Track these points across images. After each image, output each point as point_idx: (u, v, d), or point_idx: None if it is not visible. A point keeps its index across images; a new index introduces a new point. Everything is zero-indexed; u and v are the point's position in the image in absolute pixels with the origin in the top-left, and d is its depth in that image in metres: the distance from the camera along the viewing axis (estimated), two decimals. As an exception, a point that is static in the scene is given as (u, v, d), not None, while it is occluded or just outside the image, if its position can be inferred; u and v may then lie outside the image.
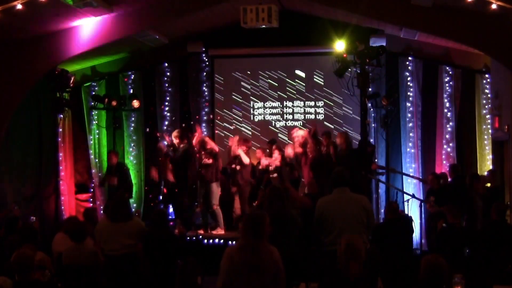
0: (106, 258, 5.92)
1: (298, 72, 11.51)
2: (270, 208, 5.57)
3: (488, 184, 9.12)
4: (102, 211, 10.91)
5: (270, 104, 11.59)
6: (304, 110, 11.52)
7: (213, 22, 10.75)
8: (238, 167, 9.91)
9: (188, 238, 9.32)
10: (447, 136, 10.80)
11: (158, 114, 11.58)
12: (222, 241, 9.23)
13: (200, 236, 9.43)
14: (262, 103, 11.60)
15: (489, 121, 10.19)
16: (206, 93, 11.69)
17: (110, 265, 5.91)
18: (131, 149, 11.49)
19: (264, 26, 8.79)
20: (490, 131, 10.07)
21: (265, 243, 4.19)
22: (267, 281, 4.08)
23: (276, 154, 9.93)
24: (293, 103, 11.53)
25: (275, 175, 9.78)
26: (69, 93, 10.22)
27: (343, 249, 4.15)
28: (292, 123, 11.51)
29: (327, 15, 10.60)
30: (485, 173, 9.84)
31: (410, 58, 10.98)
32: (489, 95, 10.18)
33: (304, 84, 11.52)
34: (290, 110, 11.53)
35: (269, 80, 11.56)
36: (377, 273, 4.41)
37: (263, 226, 4.24)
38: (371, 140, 11.00)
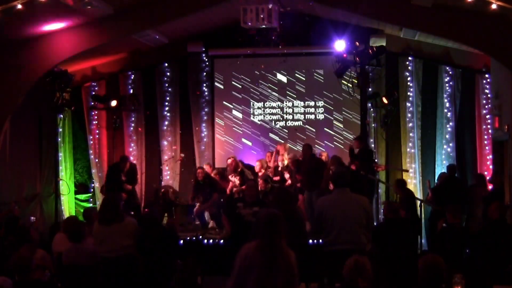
0: (104, 260, 5.91)
1: (297, 72, 11.51)
2: (278, 209, 5.57)
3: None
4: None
5: (270, 104, 11.59)
6: (304, 110, 11.51)
7: (213, 22, 10.74)
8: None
9: (188, 238, 9.30)
10: (447, 136, 10.80)
11: (159, 114, 11.58)
12: (222, 241, 9.22)
13: (200, 236, 9.42)
14: (262, 103, 11.60)
15: (489, 121, 10.18)
16: (206, 93, 11.69)
17: (107, 267, 5.90)
18: (131, 149, 11.49)
19: (264, 26, 8.78)
20: (490, 131, 10.07)
21: (283, 245, 4.14)
22: (279, 283, 4.04)
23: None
24: (293, 103, 11.53)
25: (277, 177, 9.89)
26: (69, 93, 10.22)
27: (351, 268, 4.12)
28: (292, 123, 11.52)
29: (327, 15, 10.59)
30: (485, 173, 9.85)
31: (410, 58, 10.97)
32: (489, 95, 10.17)
33: (304, 85, 11.52)
34: (290, 110, 11.53)
35: (269, 83, 11.56)
36: (377, 274, 4.41)
37: (280, 225, 4.19)
38: (371, 140, 11.00)
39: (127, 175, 10.14)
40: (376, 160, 10.74)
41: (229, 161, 10.28)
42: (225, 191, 10.08)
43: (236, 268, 4.12)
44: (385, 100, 10.23)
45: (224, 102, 11.68)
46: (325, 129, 11.36)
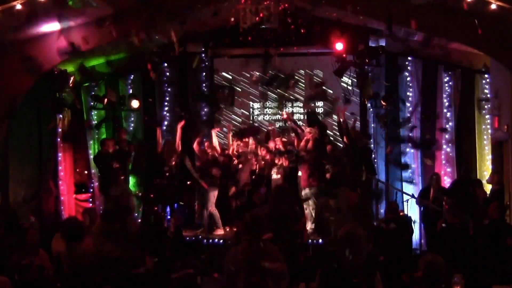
0: (105, 260, 5.91)
1: (297, 72, 11.50)
2: (276, 208, 5.57)
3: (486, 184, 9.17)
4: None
5: (269, 104, 11.58)
6: (304, 110, 11.50)
7: (213, 22, 10.72)
8: (240, 165, 9.99)
9: (188, 238, 9.32)
10: (447, 136, 10.80)
11: (158, 114, 11.57)
12: (221, 241, 9.24)
13: (200, 237, 9.45)
14: (261, 103, 11.59)
15: (489, 121, 10.18)
16: (206, 93, 11.68)
17: (110, 268, 5.90)
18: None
19: (264, 26, 8.78)
20: (490, 131, 10.07)
21: (266, 244, 4.16)
22: (270, 282, 4.05)
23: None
24: (292, 103, 11.52)
25: (278, 176, 9.82)
26: (69, 93, 10.21)
27: (343, 237, 4.13)
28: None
29: (327, 15, 10.57)
30: (484, 173, 9.86)
31: (409, 58, 10.96)
32: (489, 95, 10.17)
33: (303, 85, 11.51)
34: (289, 110, 11.51)
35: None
36: (375, 270, 4.41)
37: (262, 227, 4.20)
38: (371, 140, 11.00)
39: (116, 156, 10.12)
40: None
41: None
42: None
43: (225, 272, 4.14)
44: (384, 101, 10.22)
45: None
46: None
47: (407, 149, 10.99)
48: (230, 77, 11.65)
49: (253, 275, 4.04)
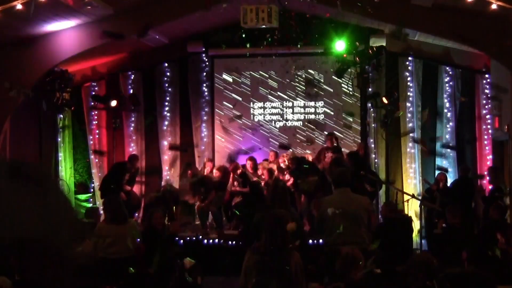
0: (110, 261, 5.90)
1: (298, 72, 11.48)
2: (273, 208, 5.55)
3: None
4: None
5: (270, 104, 11.57)
6: (304, 110, 11.49)
7: (213, 22, 10.73)
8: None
9: (188, 238, 9.31)
10: (447, 136, 10.79)
11: (158, 114, 11.56)
12: (222, 241, 9.23)
13: (200, 236, 9.43)
14: (262, 103, 11.57)
15: (489, 121, 10.18)
16: (206, 93, 11.68)
17: (113, 268, 5.89)
18: (131, 149, 11.48)
19: (264, 26, 8.77)
20: (490, 131, 10.07)
21: (284, 247, 4.11)
22: (284, 285, 4.02)
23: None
24: (293, 103, 11.51)
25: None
26: (69, 93, 10.22)
27: (343, 262, 4.16)
28: (292, 123, 11.50)
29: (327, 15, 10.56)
30: (485, 173, 9.86)
31: (410, 58, 10.96)
32: (489, 95, 10.17)
33: (303, 85, 11.50)
34: (290, 110, 11.51)
35: (269, 80, 11.54)
36: (377, 274, 4.41)
37: (282, 228, 4.15)
38: (371, 140, 11.00)
39: (131, 175, 10.13)
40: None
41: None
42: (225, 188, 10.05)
43: (242, 270, 4.14)
44: (385, 100, 10.22)
45: (224, 102, 11.66)
46: (324, 132, 11.29)
47: (408, 149, 10.97)
48: (231, 79, 11.63)
49: (263, 276, 4.01)
